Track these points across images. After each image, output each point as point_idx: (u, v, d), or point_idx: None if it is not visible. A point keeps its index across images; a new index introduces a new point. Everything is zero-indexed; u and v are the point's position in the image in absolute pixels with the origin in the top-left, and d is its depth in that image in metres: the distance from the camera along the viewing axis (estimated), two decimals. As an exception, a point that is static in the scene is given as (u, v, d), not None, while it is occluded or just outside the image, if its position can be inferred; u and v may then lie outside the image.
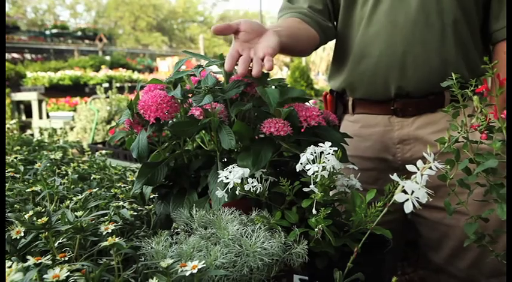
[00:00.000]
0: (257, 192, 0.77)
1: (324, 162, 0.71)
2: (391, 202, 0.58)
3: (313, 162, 0.73)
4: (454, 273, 1.21)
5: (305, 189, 0.74)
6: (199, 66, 0.93)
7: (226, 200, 0.80)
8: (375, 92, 1.24)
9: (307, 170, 0.72)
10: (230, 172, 0.77)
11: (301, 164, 0.74)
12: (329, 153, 0.73)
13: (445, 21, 1.14)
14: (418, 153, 1.21)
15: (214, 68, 0.98)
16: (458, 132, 0.71)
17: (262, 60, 0.90)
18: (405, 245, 1.54)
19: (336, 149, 0.74)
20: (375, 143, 1.27)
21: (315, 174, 0.71)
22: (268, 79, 0.91)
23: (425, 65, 1.15)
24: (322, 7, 1.28)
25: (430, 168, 0.56)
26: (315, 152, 0.73)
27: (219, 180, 0.79)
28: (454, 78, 0.73)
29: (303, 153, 0.75)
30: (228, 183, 0.76)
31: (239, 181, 0.76)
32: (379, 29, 1.18)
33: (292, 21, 1.24)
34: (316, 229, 0.70)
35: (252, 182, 0.76)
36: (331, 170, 0.71)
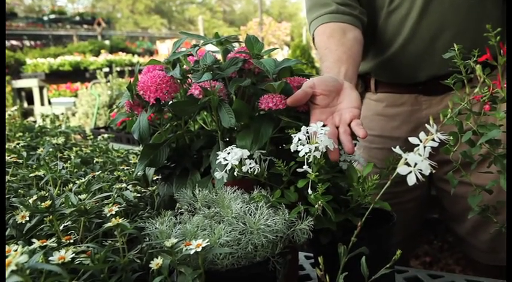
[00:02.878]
0: (255, 173, 0.76)
1: (316, 142, 0.70)
2: (393, 176, 0.57)
3: (307, 142, 0.71)
4: (476, 245, 1.22)
5: (299, 170, 0.73)
6: (195, 45, 0.92)
7: (225, 180, 0.79)
8: (402, 78, 1.21)
9: (299, 152, 0.70)
10: (229, 153, 0.77)
11: (294, 144, 0.73)
12: (321, 133, 0.71)
13: (471, 1, 1.09)
14: (446, 131, 1.19)
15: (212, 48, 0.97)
16: (461, 104, 0.70)
17: (349, 125, 0.80)
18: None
19: (328, 129, 0.72)
20: (402, 123, 1.25)
21: (308, 155, 0.70)
22: (263, 51, 0.90)
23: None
24: None
25: (433, 140, 0.55)
26: (308, 133, 0.72)
27: (217, 161, 0.79)
28: (456, 49, 0.72)
29: (294, 135, 0.73)
30: (227, 164, 0.76)
31: (237, 163, 0.75)
32: (404, 15, 1.12)
33: (343, 37, 1.06)
34: (316, 206, 0.69)
35: (250, 164, 0.76)
36: (324, 150, 0.70)
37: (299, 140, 0.72)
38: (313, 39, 1.17)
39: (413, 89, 1.21)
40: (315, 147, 0.70)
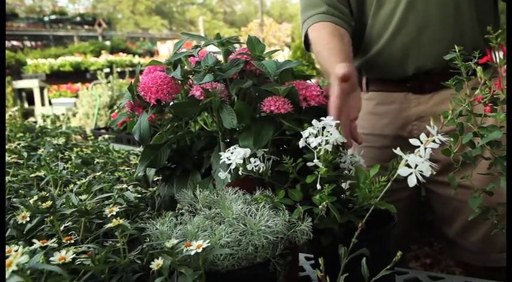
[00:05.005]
0: (260, 171, 0.76)
1: (326, 135, 0.71)
2: (394, 177, 0.57)
3: (316, 136, 0.72)
4: (466, 247, 1.22)
5: (309, 164, 0.73)
6: (196, 46, 0.92)
7: (229, 180, 0.80)
8: (392, 72, 1.22)
9: (310, 144, 0.71)
10: (232, 153, 0.77)
11: (303, 139, 0.74)
12: (331, 127, 0.72)
13: None
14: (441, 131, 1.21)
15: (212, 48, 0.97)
16: (462, 105, 0.70)
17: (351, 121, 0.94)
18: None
19: (338, 122, 0.74)
20: (392, 120, 1.26)
21: (318, 148, 0.70)
22: (264, 52, 0.90)
23: (442, 40, 1.12)
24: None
25: (434, 141, 0.55)
26: (318, 127, 0.73)
27: (221, 161, 0.79)
28: (457, 50, 0.72)
29: (304, 131, 0.74)
30: (231, 164, 0.76)
31: (241, 162, 0.76)
32: (392, 9, 1.15)
33: (343, 40, 1.12)
34: (320, 206, 0.69)
35: (255, 162, 0.76)
36: (334, 143, 0.71)
37: (309, 134, 0.73)
38: (305, 37, 1.20)
39: (402, 86, 1.23)
40: (326, 140, 0.71)
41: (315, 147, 0.71)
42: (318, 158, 0.72)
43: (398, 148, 0.58)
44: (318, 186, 0.71)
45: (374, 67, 1.25)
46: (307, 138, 0.73)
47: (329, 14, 1.15)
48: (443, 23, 1.12)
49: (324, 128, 0.73)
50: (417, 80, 1.19)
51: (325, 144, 0.70)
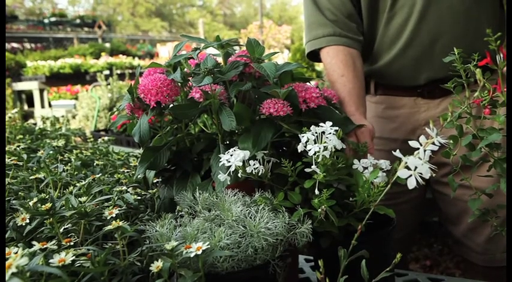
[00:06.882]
0: (259, 174, 0.76)
1: (325, 142, 0.71)
2: (393, 179, 0.57)
3: (315, 142, 0.72)
4: (472, 247, 1.23)
5: (307, 170, 0.73)
6: (196, 48, 0.92)
7: (228, 182, 0.80)
8: (403, 81, 1.23)
9: (308, 151, 0.71)
10: (231, 155, 0.77)
11: (302, 144, 0.74)
12: (330, 133, 0.72)
13: (467, 4, 1.11)
14: (445, 135, 1.22)
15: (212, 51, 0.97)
16: (461, 108, 0.71)
17: None
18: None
19: (336, 128, 0.74)
20: (401, 124, 1.27)
21: (316, 154, 0.70)
22: (263, 55, 0.90)
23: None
24: (353, 12, 1.18)
25: (433, 143, 0.56)
26: (316, 132, 0.73)
27: (220, 164, 0.79)
28: (456, 53, 0.72)
29: (302, 135, 0.74)
30: (230, 166, 0.76)
31: (240, 164, 0.76)
32: (404, 20, 1.14)
33: (356, 68, 1.13)
34: (319, 210, 0.69)
35: (254, 164, 0.76)
36: (333, 150, 0.71)
37: (308, 140, 0.72)
38: (308, 55, 1.21)
39: (412, 92, 1.23)
40: (324, 146, 0.70)
41: (314, 153, 0.71)
42: (316, 164, 0.72)
43: (397, 150, 0.58)
44: (317, 192, 0.71)
45: (384, 75, 1.26)
46: (306, 142, 0.73)
47: (339, 36, 1.14)
48: (455, 34, 1.12)
49: (322, 133, 0.73)
50: (427, 87, 1.20)
51: (323, 151, 0.70)
